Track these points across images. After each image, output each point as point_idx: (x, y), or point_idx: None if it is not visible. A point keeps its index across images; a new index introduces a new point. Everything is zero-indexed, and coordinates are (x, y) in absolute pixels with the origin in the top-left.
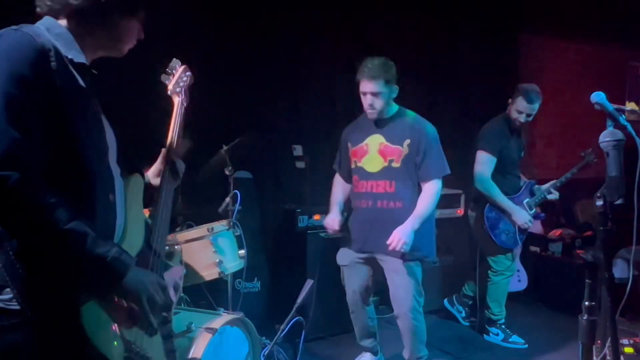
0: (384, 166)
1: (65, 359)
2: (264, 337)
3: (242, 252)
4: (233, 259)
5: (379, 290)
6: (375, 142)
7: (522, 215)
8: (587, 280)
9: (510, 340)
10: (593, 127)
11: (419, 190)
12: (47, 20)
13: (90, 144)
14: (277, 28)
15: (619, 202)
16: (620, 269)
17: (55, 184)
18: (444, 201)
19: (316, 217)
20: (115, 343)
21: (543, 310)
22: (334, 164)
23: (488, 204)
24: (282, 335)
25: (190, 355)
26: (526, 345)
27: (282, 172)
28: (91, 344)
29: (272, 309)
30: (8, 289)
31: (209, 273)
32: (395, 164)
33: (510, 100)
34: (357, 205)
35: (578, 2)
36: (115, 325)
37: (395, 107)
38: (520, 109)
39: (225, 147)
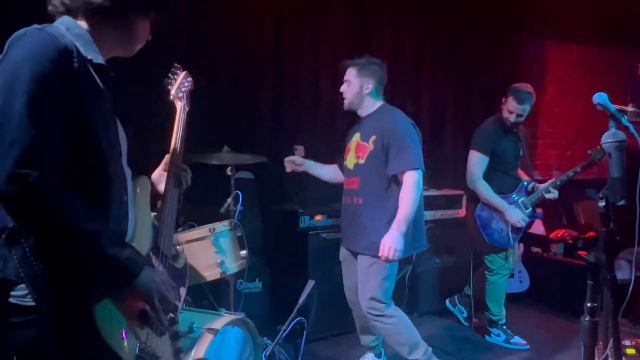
0: (354, 163)
1: (78, 356)
2: (265, 338)
3: (243, 252)
4: (234, 259)
5: None
6: (355, 140)
7: (515, 214)
8: (589, 282)
9: (511, 341)
10: (595, 128)
11: (396, 188)
12: (66, 20)
13: (107, 145)
14: (278, 28)
15: (621, 203)
16: (622, 270)
17: (73, 183)
18: (446, 202)
19: (318, 217)
20: (127, 342)
21: (545, 311)
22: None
23: (480, 203)
24: (283, 335)
25: (192, 356)
26: (528, 346)
27: (284, 173)
28: (104, 342)
29: (274, 310)
30: (22, 285)
31: (210, 273)
32: (361, 161)
33: (503, 100)
34: (342, 201)
35: (580, 3)
36: (128, 324)
37: (377, 105)
38: (511, 109)
39: (227, 148)
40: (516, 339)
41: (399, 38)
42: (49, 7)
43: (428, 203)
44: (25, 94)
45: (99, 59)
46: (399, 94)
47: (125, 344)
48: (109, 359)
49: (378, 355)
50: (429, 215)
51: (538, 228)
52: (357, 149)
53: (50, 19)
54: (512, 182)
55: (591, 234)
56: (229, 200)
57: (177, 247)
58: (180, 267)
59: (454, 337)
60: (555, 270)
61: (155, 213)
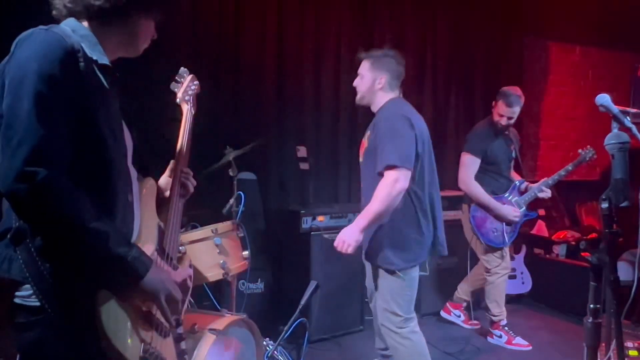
0: (360, 159)
1: (83, 356)
2: (267, 338)
3: (245, 253)
4: (237, 260)
5: None
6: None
7: (507, 212)
8: (592, 283)
9: (514, 342)
10: (597, 129)
11: None
12: (71, 21)
13: (113, 144)
14: (280, 29)
15: (624, 204)
16: (624, 272)
17: (79, 182)
18: (447, 203)
19: (320, 218)
20: (132, 343)
21: (547, 313)
22: None
23: (474, 204)
24: (285, 336)
25: (194, 356)
26: (530, 347)
27: (286, 174)
28: (109, 342)
29: (276, 310)
30: (27, 286)
31: (212, 274)
32: (361, 159)
33: (494, 104)
34: None
35: (583, 5)
36: (133, 325)
37: (383, 101)
38: (501, 112)
39: (230, 149)
40: (518, 340)
41: (402, 39)
42: (54, 12)
43: None
44: (33, 94)
45: (104, 59)
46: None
47: (130, 345)
48: (113, 359)
49: None
50: None
51: (540, 229)
52: (361, 144)
53: (55, 19)
54: (504, 183)
55: (593, 235)
56: (232, 201)
57: (180, 248)
58: (184, 269)
59: (456, 338)
60: (558, 271)
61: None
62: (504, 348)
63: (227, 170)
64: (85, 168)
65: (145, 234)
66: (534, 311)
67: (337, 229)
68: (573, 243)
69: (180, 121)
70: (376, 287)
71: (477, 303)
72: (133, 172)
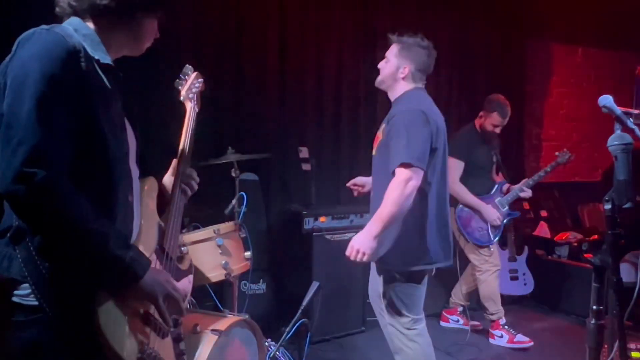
0: (374, 152)
1: (81, 355)
2: (269, 339)
3: (248, 253)
4: (239, 260)
5: None
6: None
7: (491, 212)
8: (594, 284)
9: (515, 340)
10: (600, 130)
11: None
12: (74, 20)
13: (114, 144)
14: (283, 30)
15: (627, 205)
16: (627, 273)
17: (80, 183)
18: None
19: (322, 219)
20: (129, 343)
21: (549, 314)
22: None
23: (459, 205)
24: (287, 337)
25: (196, 357)
26: (532, 343)
27: (288, 174)
28: (107, 341)
29: (278, 311)
30: (25, 285)
31: (214, 275)
32: (375, 152)
33: (482, 113)
34: None
35: (585, 6)
36: (131, 325)
37: (402, 91)
38: (496, 123)
39: (232, 150)
40: (519, 337)
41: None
42: (57, 9)
43: None
44: (34, 94)
45: (106, 59)
46: None
47: (127, 344)
48: (111, 358)
49: None
50: None
51: (543, 231)
52: (376, 137)
53: (58, 20)
54: (488, 185)
55: (596, 236)
56: (234, 201)
57: (183, 249)
58: (185, 269)
59: (457, 340)
60: (560, 272)
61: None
62: (506, 349)
63: (229, 170)
64: (86, 168)
65: (145, 233)
66: (536, 312)
67: (339, 230)
68: (575, 244)
69: (183, 119)
70: (382, 287)
71: (479, 304)
72: (135, 171)
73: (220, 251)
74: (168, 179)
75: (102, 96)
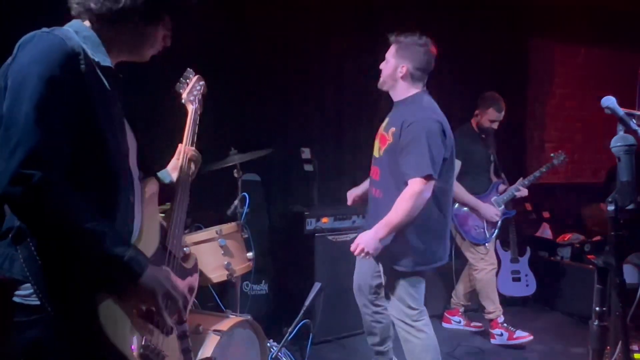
0: (378, 152)
1: (83, 355)
2: (271, 340)
3: (250, 254)
4: (241, 261)
5: None
6: (383, 126)
7: (488, 210)
8: (597, 286)
9: (515, 336)
10: (603, 131)
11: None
12: (75, 23)
13: (114, 145)
14: (286, 32)
15: (630, 207)
16: (630, 274)
17: (80, 183)
18: None
19: (324, 220)
20: (131, 340)
21: (551, 315)
22: None
23: (456, 204)
24: (289, 338)
25: (198, 357)
26: (531, 337)
27: (290, 175)
28: (109, 340)
29: (280, 312)
30: (27, 285)
31: (217, 275)
32: (381, 152)
33: (477, 112)
34: (368, 190)
35: (588, 6)
36: (133, 323)
37: (411, 92)
38: (493, 118)
39: (235, 151)
40: (518, 332)
41: None
42: (72, 12)
43: None
44: (32, 96)
45: (106, 61)
46: None
47: (129, 342)
48: (113, 357)
49: None
50: None
51: (545, 232)
52: (380, 137)
53: (57, 21)
54: (485, 183)
55: (598, 238)
56: (236, 202)
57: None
58: (190, 267)
59: (460, 341)
60: (562, 274)
61: (163, 214)
62: (508, 350)
63: (231, 171)
64: (85, 168)
65: (146, 233)
66: (538, 314)
67: (342, 231)
68: (577, 246)
69: (185, 121)
70: (389, 286)
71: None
72: (135, 172)
73: (222, 252)
74: (173, 163)
75: (102, 98)
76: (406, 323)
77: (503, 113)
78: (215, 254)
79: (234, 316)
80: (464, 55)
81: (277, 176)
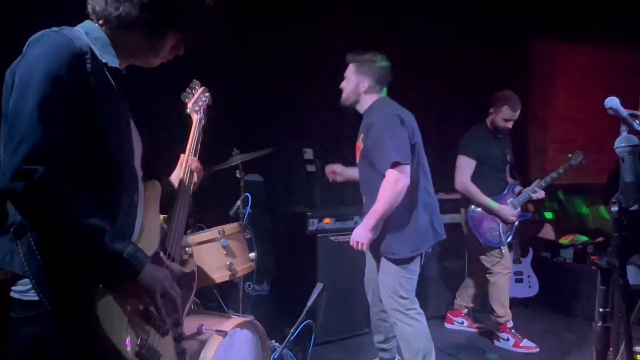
0: (357, 160)
1: (80, 352)
2: (273, 340)
3: (252, 254)
4: (243, 261)
5: None
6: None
7: (505, 211)
8: (601, 287)
9: (521, 344)
10: (606, 132)
11: None
12: (87, 24)
13: (119, 144)
14: (288, 33)
15: (634, 208)
16: (633, 276)
17: (83, 181)
18: (454, 206)
19: (326, 220)
20: (127, 338)
21: (554, 316)
22: None
23: (471, 205)
24: (291, 338)
25: (200, 357)
26: (537, 349)
27: (293, 176)
28: (106, 337)
29: (282, 312)
30: (24, 280)
31: (219, 276)
32: (358, 160)
33: (492, 110)
34: None
35: (591, 6)
36: (130, 320)
37: (372, 100)
38: (507, 117)
39: (237, 151)
40: (525, 342)
41: (408, 42)
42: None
43: None
44: (38, 93)
45: (114, 62)
46: (408, 98)
47: (126, 338)
48: (110, 354)
49: None
50: None
51: (548, 233)
52: (357, 147)
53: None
54: (500, 185)
55: (601, 239)
56: (238, 202)
57: (187, 249)
58: (188, 272)
59: (462, 342)
60: (565, 275)
61: (164, 216)
62: (511, 351)
63: (234, 171)
64: (89, 166)
65: (146, 234)
66: (540, 315)
67: (344, 231)
68: (580, 247)
69: (190, 130)
70: (382, 278)
71: (484, 306)
72: (139, 174)
73: (224, 252)
74: (176, 174)
75: (108, 97)
76: (399, 311)
77: (518, 112)
78: (218, 254)
79: (236, 316)
80: (466, 55)
81: (280, 177)
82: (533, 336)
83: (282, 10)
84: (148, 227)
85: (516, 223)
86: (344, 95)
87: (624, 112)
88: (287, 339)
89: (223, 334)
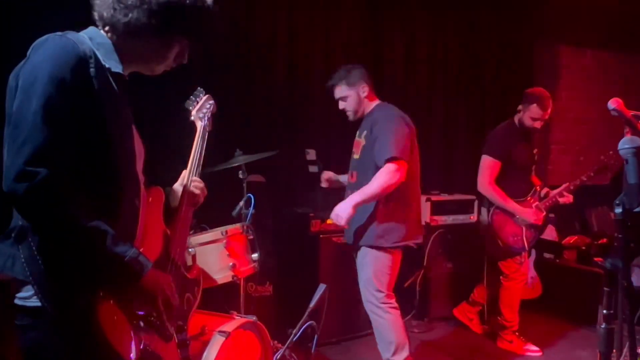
0: (352, 158)
1: (82, 356)
2: (276, 341)
3: (255, 255)
4: (246, 262)
5: None
6: (356, 137)
7: (529, 214)
8: (605, 289)
9: (525, 347)
10: (609, 134)
11: None
12: (91, 29)
13: (121, 149)
14: (291, 33)
15: (638, 209)
16: (635, 277)
17: (85, 184)
18: (457, 207)
19: (329, 221)
20: (129, 343)
21: (556, 318)
22: None
23: (494, 207)
24: (294, 339)
25: (203, 358)
26: (540, 353)
27: (296, 176)
28: (108, 343)
29: (284, 313)
30: (27, 287)
31: (221, 276)
32: (356, 155)
33: (520, 107)
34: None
35: (594, 7)
36: (132, 326)
37: (373, 105)
38: (535, 116)
39: (240, 152)
40: (529, 346)
41: (411, 43)
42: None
43: (439, 208)
44: (41, 96)
45: (118, 67)
46: (412, 99)
47: (127, 344)
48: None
49: None
50: (440, 220)
51: (550, 234)
52: (355, 144)
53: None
54: (525, 188)
55: (604, 240)
56: (241, 203)
57: (190, 250)
58: (193, 278)
59: (465, 343)
60: (568, 276)
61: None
62: (514, 354)
63: (236, 172)
64: (91, 169)
65: (148, 239)
66: (543, 316)
67: None
68: (583, 248)
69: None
70: (360, 267)
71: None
72: (141, 178)
73: (227, 253)
74: (178, 187)
75: (111, 102)
76: (372, 303)
77: (549, 112)
78: (220, 255)
79: (239, 317)
80: (469, 57)
81: (282, 177)
82: (536, 337)
83: (285, 10)
84: (150, 232)
85: (541, 229)
86: (349, 112)
87: (628, 114)
88: (290, 340)
89: (225, 334)
